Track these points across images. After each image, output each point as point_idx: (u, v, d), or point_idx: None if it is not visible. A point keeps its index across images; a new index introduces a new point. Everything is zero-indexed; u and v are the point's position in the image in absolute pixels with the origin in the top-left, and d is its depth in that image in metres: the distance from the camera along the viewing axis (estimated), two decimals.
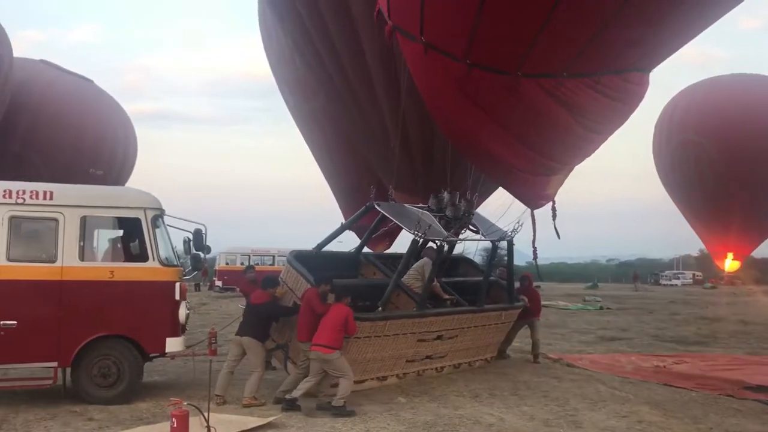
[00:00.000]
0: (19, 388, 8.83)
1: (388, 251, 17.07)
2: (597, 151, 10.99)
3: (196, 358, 9.96)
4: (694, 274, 71.43)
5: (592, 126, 9.98)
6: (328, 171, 21.29)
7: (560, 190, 11.86)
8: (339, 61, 14.97)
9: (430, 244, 11.07)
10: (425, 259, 11.08)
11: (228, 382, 9.04)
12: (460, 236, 11.66)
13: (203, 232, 9.48)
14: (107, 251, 9.67)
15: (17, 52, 20.00)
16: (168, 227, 9.60)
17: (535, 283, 13.92)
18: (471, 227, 11.60)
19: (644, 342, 17.07)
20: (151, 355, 9.14)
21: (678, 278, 70.09)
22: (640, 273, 65.35)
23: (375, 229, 11.91)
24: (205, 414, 6.67)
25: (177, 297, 9.11)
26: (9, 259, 8.53)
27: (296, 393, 8.54)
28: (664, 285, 65.47)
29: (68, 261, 8.69)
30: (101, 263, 9.29)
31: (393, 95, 13.76)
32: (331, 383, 8.69)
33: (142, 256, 9.08)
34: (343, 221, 13.59)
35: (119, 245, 9.55)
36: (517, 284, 13.11)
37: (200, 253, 9.66)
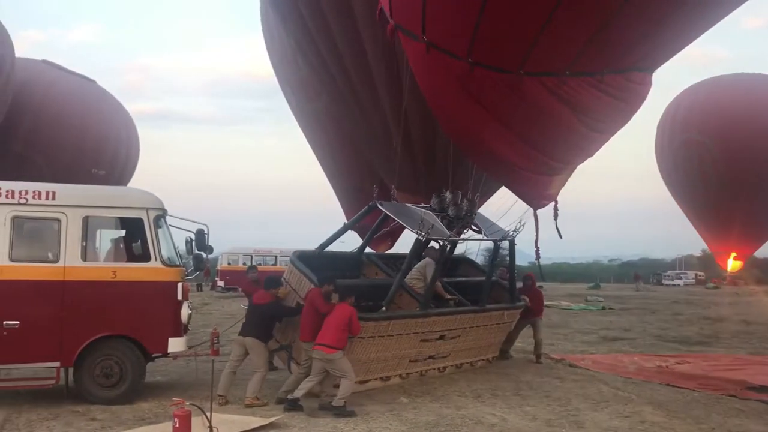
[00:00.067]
0: (22, 388, 8.84)
1: (389, 251, 17.08)
2: (599, 151, 10.98)
3: (199, 358, 9.98)
4: (696, 274, 71.27)
5: (595, 125, 9.96)
6: (331, 171, 21.26)
7: (562, 190, 11.86)
8: (341, 62, 14.96)
9: (432, 244, 11.06)
10: (427, 259, 11.07)
11: (230, 382, 9.04)
12: (462, 236, 11.65)
13: (205, 232, 9.49)
14: (110, 251, 9.68)
15: (18, 53, 20.01)
16: (170, 227, 9.60)
17: (537, 283, 13.91)
18: (473, 227, 11.59)
19: (647, 342, 17.03)
20: (154, 355, 9.15)
21: (680, 278, 69.95)
22: (642, 273, 65.27)
23: (377, 229, 11.90)
24: (208, 414, 6.66)
25: (179, 297, 9.12)
26: (12, 260, 8.54)
27: (298, 393, 8.54)
28: (667, 285, 65.33)
29: (71, 261, 8.69)
30: (104, 263, 9.32)
31: (395, 95, 13.71)
32: (333, 383, 8.69)
33: (145, 257, 9.09)
34: (346, 221, 13.59)
35: (121, 245, 9.57)
36: (519, 284, 13.12)
37: (202, 253, 9.67)
